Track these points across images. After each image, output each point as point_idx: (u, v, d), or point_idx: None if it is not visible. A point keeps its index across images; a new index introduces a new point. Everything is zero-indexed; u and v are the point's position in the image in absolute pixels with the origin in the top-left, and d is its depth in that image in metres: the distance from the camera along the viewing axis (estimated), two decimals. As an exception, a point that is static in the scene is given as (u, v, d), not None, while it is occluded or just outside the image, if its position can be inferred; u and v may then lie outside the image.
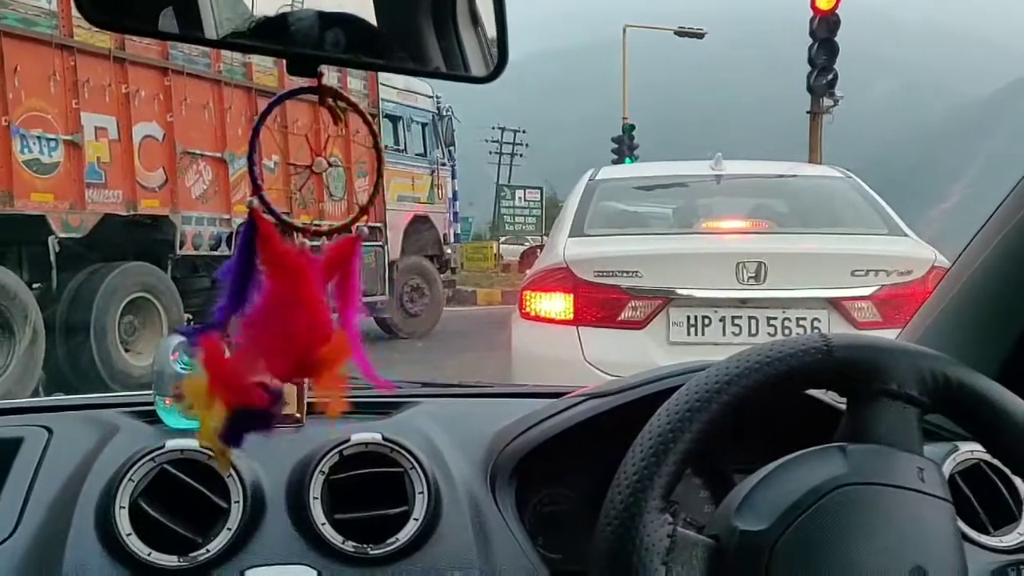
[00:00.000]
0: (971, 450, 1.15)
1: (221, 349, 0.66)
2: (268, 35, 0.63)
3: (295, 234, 0.68)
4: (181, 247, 8.62)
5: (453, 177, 13.83)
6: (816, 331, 0.83)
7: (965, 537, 1.07)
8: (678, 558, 0.74)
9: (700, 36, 23.68)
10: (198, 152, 8.74)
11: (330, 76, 0.64)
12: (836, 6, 11.44)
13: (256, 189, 0.65)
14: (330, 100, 0.64)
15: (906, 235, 3.96)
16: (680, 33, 23.65)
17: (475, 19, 0.72)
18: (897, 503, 0.75)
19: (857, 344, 0.81)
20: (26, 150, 7.14)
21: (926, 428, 1.24)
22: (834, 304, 3.54)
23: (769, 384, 0.78)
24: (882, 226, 4.03)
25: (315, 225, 0.70)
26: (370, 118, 0.70)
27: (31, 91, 7.17)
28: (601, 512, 0.77)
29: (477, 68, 0.72)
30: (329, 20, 0.62)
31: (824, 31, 11.77)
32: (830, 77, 12.26)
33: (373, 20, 0.66)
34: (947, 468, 1.13)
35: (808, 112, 13.45)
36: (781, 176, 4.84)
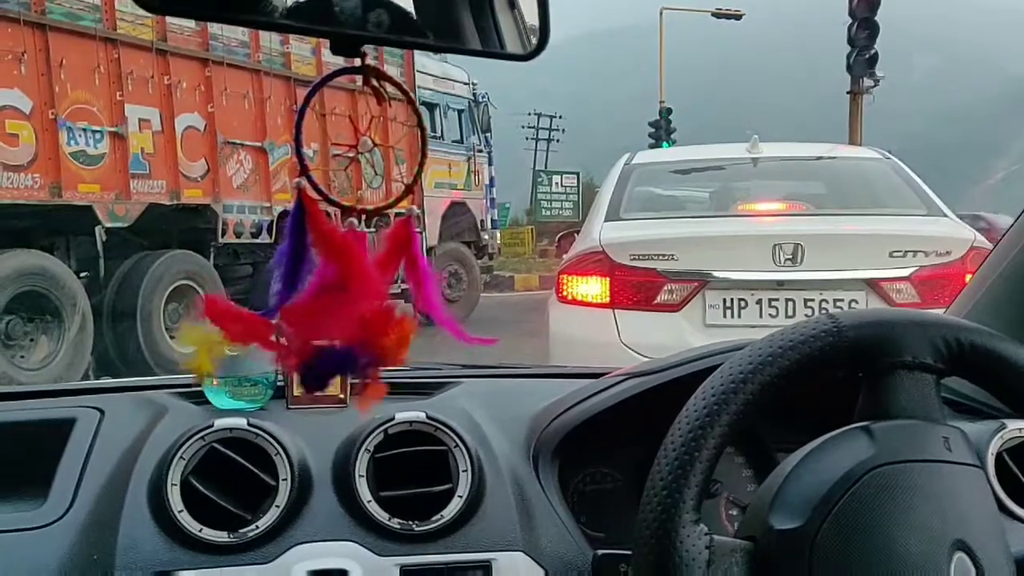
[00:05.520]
0: (1019, 428, 1.13)
1: (230, 310, 0.67)
2: (312, 16, 0.64)
3: (339, 215, 0.69)
4: (223, 235, 8.73)
5: (490, 163, 13.83)
6: (824, 312, 0.81)
7: (1013, 515, 1.06)
8: (719, 568, 0.73)
9: (738, 18, 23.36)
10: (239, 142, 8.84)
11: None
12: (877, -16, 11.23)
13: (303, 170, 0.66)
14: (374, 80, 0.65)
15: (945, 216, 3.93)
16: (717, 15, 23.34)
17: (512, 1, 0.73)
18: (928, 478, 0.74)
19: (866, 321, 0.80)
20: (73, 142, 7.27)
21: (970, 406, 1.23)
22: (872, 285, 3.51)
23: (784, 377, 0.77)
24: (921, 207, 3.99)
25: (359, 207, 0.70)
26: (412, 96, 0.70)
27: (76, 84, 7.29)
28: (638, 516, 0.76)
29: (515, 47, 0.72)
30: (372, 0, 0.63)
31: (864, 10, 11.55)
32: (870, 56, 12.03)
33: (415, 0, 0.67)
34: (994, 446, 1.11)
35: (848, 92, 13.22)
36: (819, 158, 4.78)
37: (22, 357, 7.03)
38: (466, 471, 1.11)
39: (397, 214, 0.71)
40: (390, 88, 0.67)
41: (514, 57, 0.71)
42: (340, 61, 0.66)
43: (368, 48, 0.65)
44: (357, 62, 0.64)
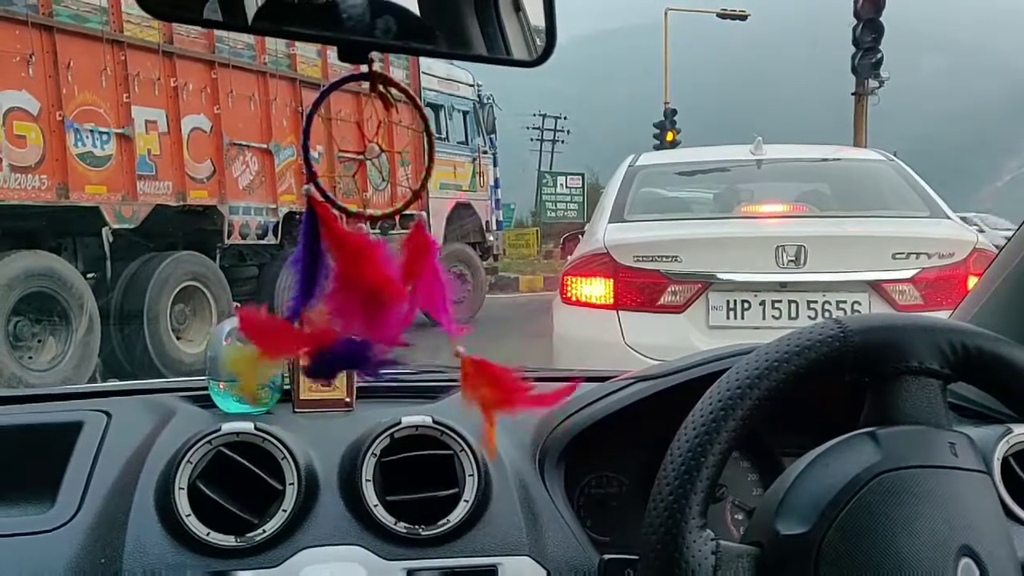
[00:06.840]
0: None
1: (267, 320, 0.66)
2: (319, 22, 0.64)
3: (346, 219, 0.69)
4: (229, 236, 8.75)
5: (495, 164, 13.84)
6: (829, 316, 0.81)
7: (1019, 520, 1.06)
8: (725, 573, 0.73)
9: (743, 18, 23.31)
10: (244, 143, 8.85)
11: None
12: (881, -15, 11.21)
13: (311, 176, 0.66)
14: (381, 86, 0.65)
15: (948, 217, 3.97)
16: (723, 15, 23.31)
17: (517, 5, 0.73)
18: (935, 483, 0.74)
19: (872, 326, 0.79)
20: (80, 143, 7.29)
21: (976, 411, 1.23)
22: (875, 287, 3.53)
23: (790, 382, 0.77)
24: (924, 209, 4.02)
25: (366, 212, 0.70)
26: (420, 102, 0.70)
27: (83, 86, 7.31)
28: (644, 520, 0.76)
29: (521, 53, 0.72)
30: (379, 7, 0.63)
31: (869, 11, 11.51)
32: (876, 58, 11.99)
33: (421, 7, 0.67)
34: (1000, 450, 1.11)
35: (853, 94, 13.18)
36: (823, 160, 4.79)
37: (30, 358, 7.05)
38: (472, 475, 1.11)
39: (402, 217, 0.71)
40: (396, 93, 0.67)
41: (521, 63, 0.71)
42: (346, 64, 0.66)
43: (374, 52, 0.65)
44: (364, 68, 0.64)
